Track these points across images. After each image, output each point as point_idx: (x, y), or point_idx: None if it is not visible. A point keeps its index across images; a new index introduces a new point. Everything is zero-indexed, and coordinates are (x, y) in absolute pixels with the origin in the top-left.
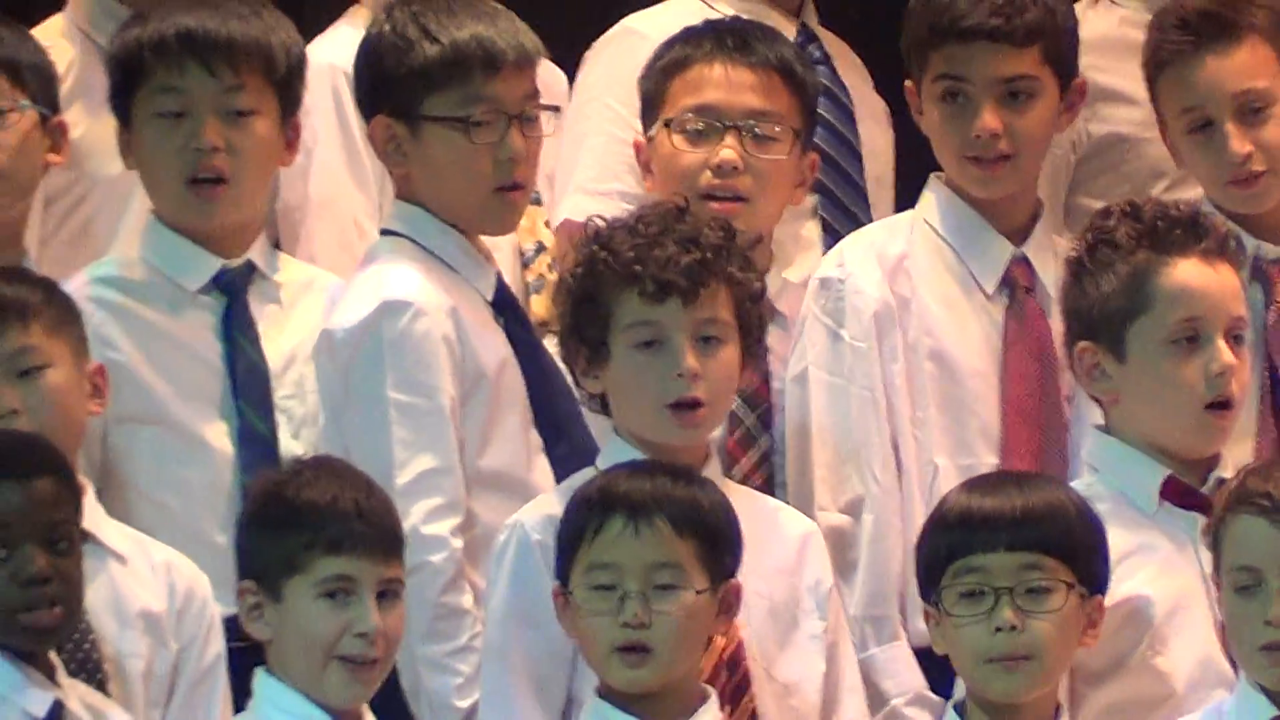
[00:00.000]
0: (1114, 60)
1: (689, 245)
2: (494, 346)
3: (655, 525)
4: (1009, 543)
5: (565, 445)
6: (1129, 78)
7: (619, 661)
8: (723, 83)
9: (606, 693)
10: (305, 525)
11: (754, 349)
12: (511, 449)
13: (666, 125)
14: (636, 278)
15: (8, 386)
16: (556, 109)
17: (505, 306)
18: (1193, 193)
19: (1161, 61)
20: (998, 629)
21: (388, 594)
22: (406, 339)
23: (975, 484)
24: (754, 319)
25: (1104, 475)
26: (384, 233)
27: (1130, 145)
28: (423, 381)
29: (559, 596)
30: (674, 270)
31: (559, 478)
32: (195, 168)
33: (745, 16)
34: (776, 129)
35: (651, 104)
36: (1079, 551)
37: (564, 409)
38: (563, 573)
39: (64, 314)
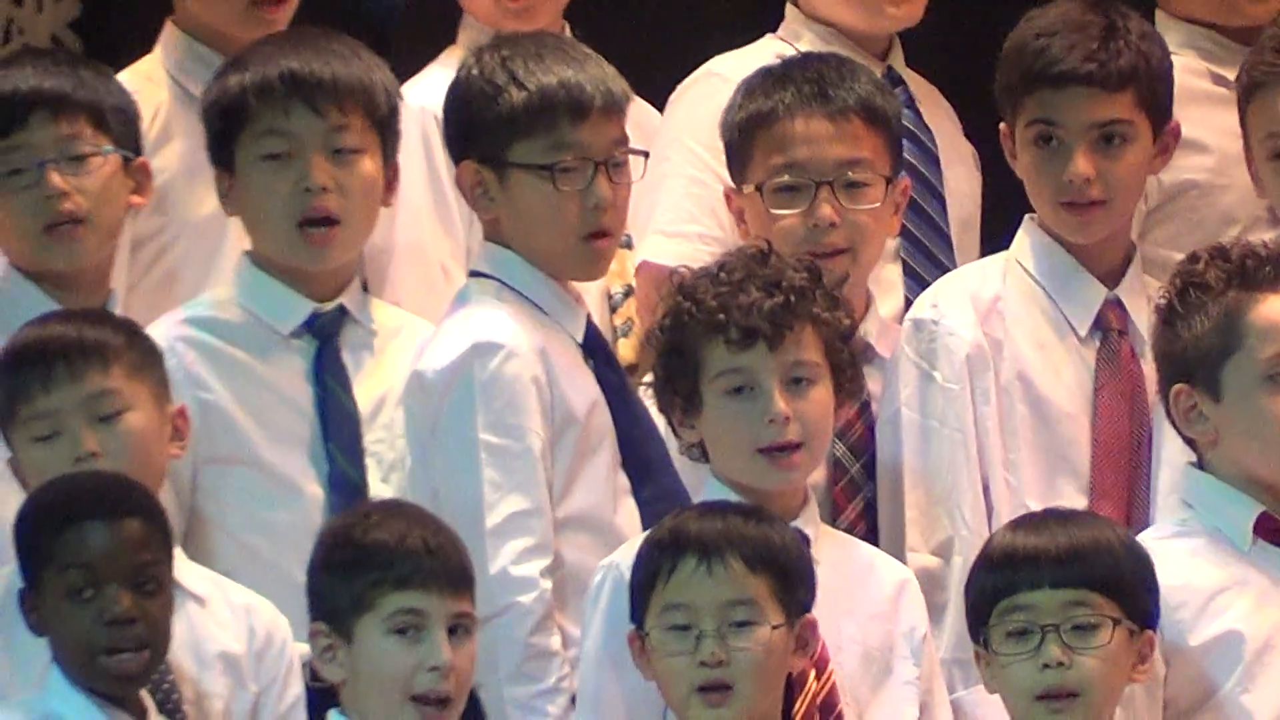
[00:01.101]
0: (1180, 108)
1: (772, 290)
2: (584, 388)
3: (728, 563)
4: (1053, 580)
5: (652, 488)
6: (1198, 124)
7: (700, 702)
8: (806, 138)
9: None
10: (374, 564)
11: (847, 387)
12: (599, 490)
13: (758, 189)
14: (721, 326)
15: (88, 430)
16: (645, 154)
17: (595, 349)
18: (1266, 236)
19: (1253, 84)
20: (1045, 666)
21: (458, 629)
22: (497, 381)
23: (1020, 523)
24: (845, 357)
25: (1199, 512)
26: (473, 274)
27: (1201, 193)
28: (513, 423)
29: (635, 640)
30: (758, 316)
31: (645, 520)
32: (306, 208)
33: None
34: (867, 175)
35: (737, 158)
36: (1126, 587)
37: (652, 452)
38: (638, 616)
39: (145, 356)
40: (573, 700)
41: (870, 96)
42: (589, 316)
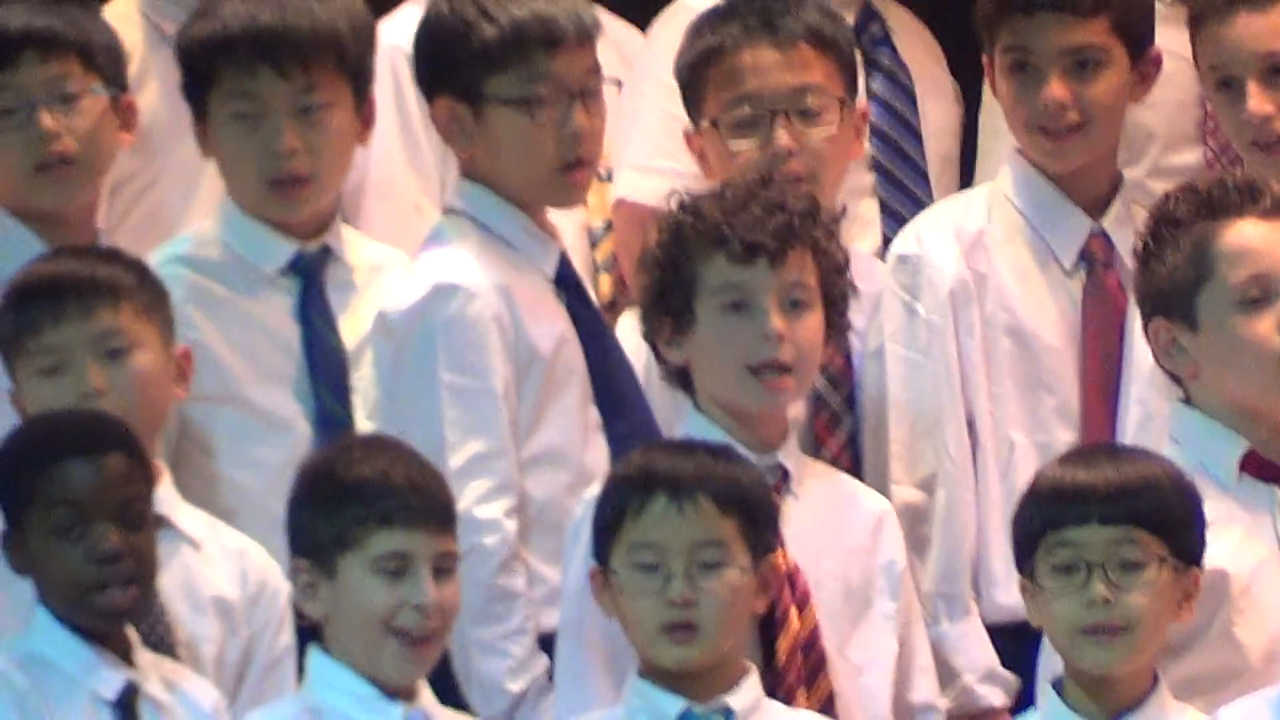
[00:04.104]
0: None
1: (775, 209)
2: (552, 324)
3: (699, 503)
4: (1101, 516)
5: (624, 423)
6: None
7: (666, 640)
8: (756, 69)
9: (648, 672)
10: (358, 500)
11: (837, 323)
12: (568, 427)
13: (714, 125)
14: (724, 240)
15: (96, 367)
16: (619, 83)
17: (567, 283)
18: (1190, 155)
19: (1198, 16)
20: (1090, 602)
21: (442, 569)
22: (458, 322)
23: (1070, 457)
24: (839, 291)
25: (1184, 448)
26: (447, 211)
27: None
28: (474, 364)
29: (597, 576)
30: (761, 232)
31: (616, 454)
32: (275, 171)
33: None
34: (820, 100)
35: (692, 97)
36: (1173, 525)
37: (625, 387)
38: (602, 552)
39: (155, 297)
40: (538, 640)
41: (817, 23)
42: (563, 252)
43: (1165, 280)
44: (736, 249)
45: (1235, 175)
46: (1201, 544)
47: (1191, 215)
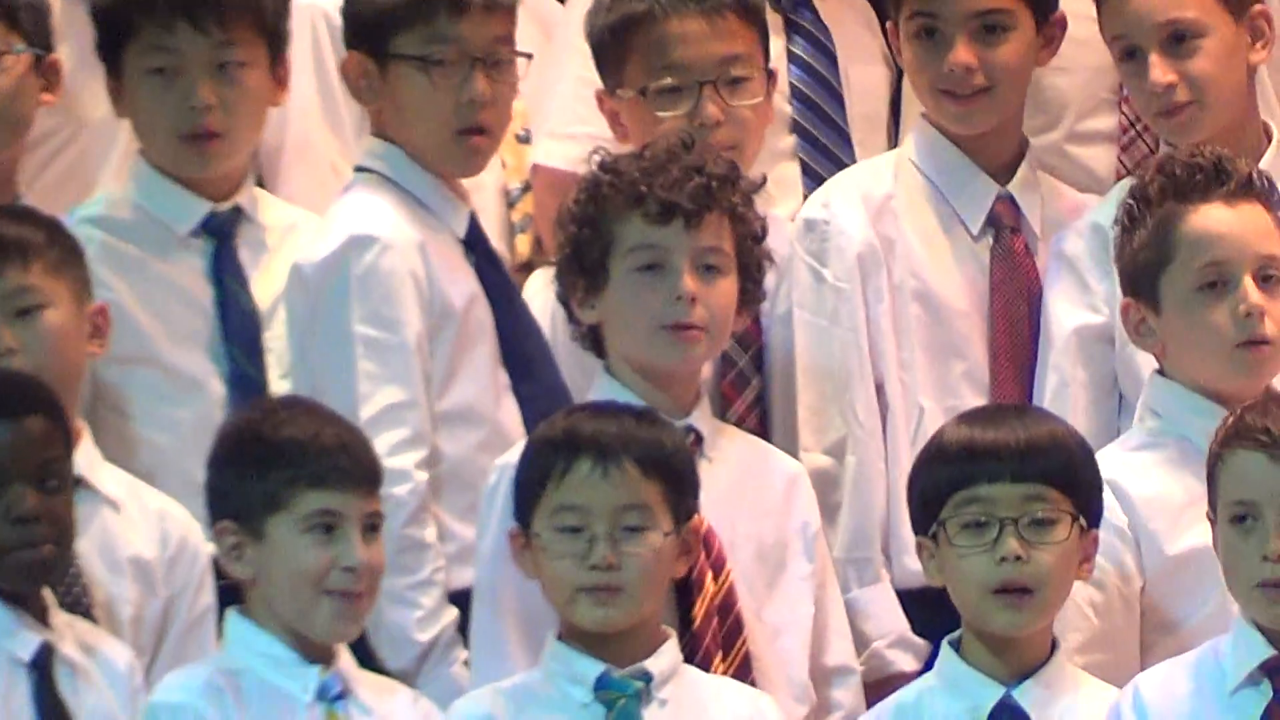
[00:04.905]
0: None
1: (694, 172)
2: (463, 283)
3: (623, 467)
4: (1014, 474)
5: (533, 384)
6: None
7: (588, 602)
8: (684, 38)
9: (567, 635)
10: (288, 462)
11: (751, 291)
12: (479, 384)
13: (642, 93)
14: (641, 199)
15: (5, 326)
16: (529, 56)
17: (476, 245)
18: (1105, 120)
19: None
20: (1002, 559)
21: (370, 528)
22: (373, 274)
23: (974, 416)
24: (754, 260)
25: (1166, 420)
26: (359, 169)
27: (1038, 73)
28: (389, 316)
29: (518, 538)
30: (679, 193)
31: (525, 415)
32: (190, 125)
33: None
34: (748, 69)
35: (609, 61)
36: (1080, 484)
37: (533, 349)
38: (523, 514)
39: (66, 254)
40: (446, 594)
41: None
42: (473, 213)
43: (1133, 260)
44: (653, 209)
45: (1206, 155)
46: (1101, 505)
47: (1160, 195)
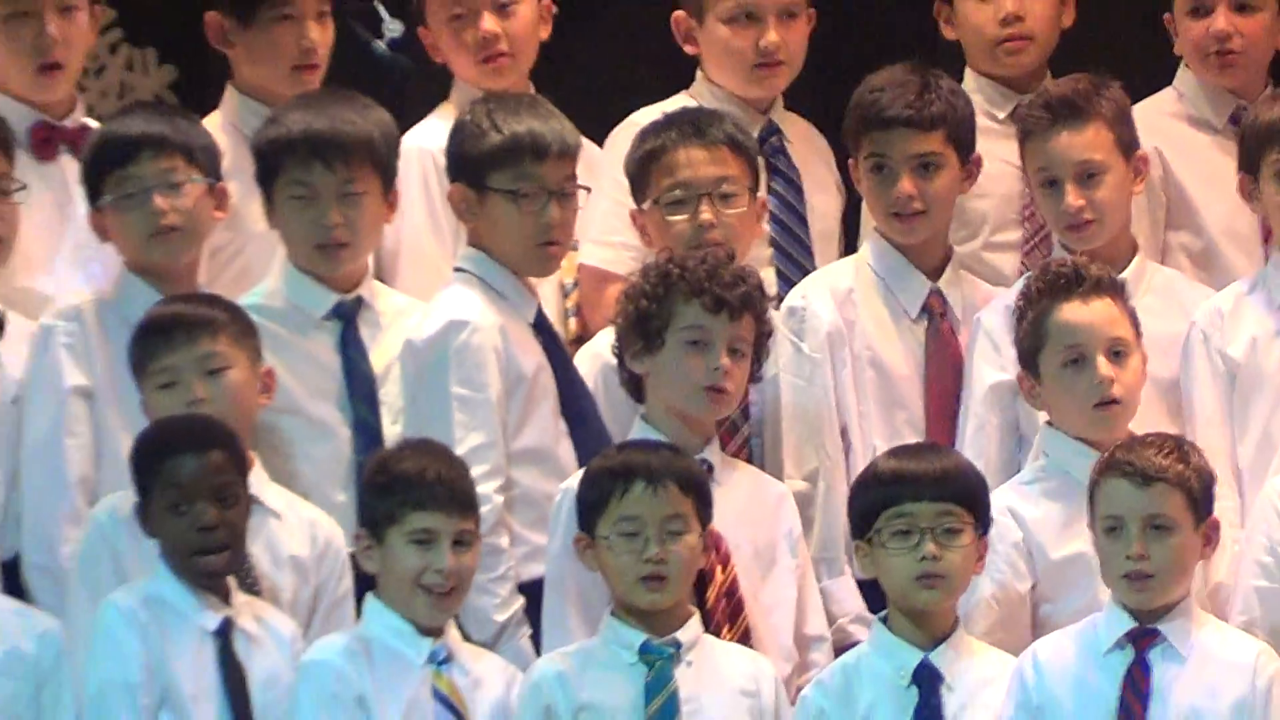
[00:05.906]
0: None
1: (741, 281)
2: (532, 355)
3: (668, 487)
4: (931, 495)
5: (584, 430)
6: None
7: (643, 588)
8: (688, 162)
9: (619, 612)
10: (400, 489)
11: (756, 370)
12: (543, 430)
13: (656, 203)
14: (703, 291)
15: (199, 382)
16: (588, 189)
17: (542, 328)
18: (1013, 234)
19: (1027, 131)
20: (923, 558)
21: (461, 542)
22: (466, 348)
23: (901, 452)
24: (763, 350)
25: (1052, 460)
26: (457, 270)
27: (965, 199)
28: (477, 379)
29: (582, 541)
30: (731, 293)
31: (579, 454)
32: (323, 238)
33: (723, 110)
34: (735, 188)
35: (638, 184)
36: (978, 503)
37: (585, 406)
38: (587, 523)
39: (245, 328)
40: (519, 587)
41: (734, 133)
42: (539, 305)
43: (1021, 343)
44: (709, 301)
45: (1068, 264)
46: (989, 520)
47: (1038, 295)
